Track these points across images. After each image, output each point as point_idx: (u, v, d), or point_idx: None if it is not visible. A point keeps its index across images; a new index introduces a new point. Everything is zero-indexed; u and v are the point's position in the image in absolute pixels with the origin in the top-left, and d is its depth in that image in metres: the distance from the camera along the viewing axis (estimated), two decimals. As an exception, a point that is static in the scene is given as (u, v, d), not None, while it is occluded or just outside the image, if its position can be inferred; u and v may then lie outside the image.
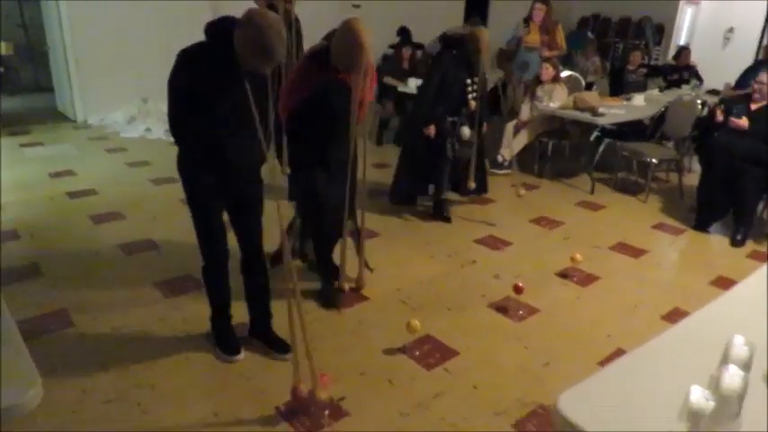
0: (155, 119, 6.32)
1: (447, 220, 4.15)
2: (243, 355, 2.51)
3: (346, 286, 3.01)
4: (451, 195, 4.33)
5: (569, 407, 1.14)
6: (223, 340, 2.54)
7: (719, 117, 4.10)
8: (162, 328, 2.72)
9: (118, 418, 2.14)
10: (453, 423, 2.18)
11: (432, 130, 3.90)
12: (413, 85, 5.91)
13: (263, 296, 2.56)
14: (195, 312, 2.83)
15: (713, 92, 6.49)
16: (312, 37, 3.33)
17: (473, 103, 3.92)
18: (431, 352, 2.62)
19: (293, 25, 3.94)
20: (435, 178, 4.12)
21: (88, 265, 3.29)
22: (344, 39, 2.52)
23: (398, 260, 3.52)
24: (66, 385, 2.27)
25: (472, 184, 4.05)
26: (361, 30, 2.50)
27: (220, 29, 2.08)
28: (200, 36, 2.12)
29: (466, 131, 3.97)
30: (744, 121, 3.93)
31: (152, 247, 3.57)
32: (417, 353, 2.60)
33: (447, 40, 4.21)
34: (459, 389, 2.38)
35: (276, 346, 2.54)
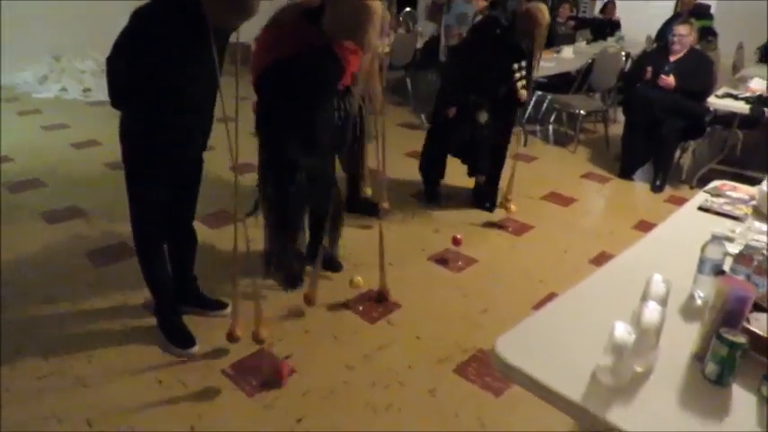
0: (70, 78, 5.88)
1: (489, 209, 3.75)
2: (198, 345, 2.33)
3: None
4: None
5: (506, 349, 1.21)
6: (177, 334, 2.35)
7: (648, 75, 4.27)
8: (96, 298, 2.62)
9: (55, 393, 2.07)
10: (398, 372, 2.25)
11: (452, 111, 3.44)
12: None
13: (192, 262, 2.50)
14: (130, 280, 2.74)
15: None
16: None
17: (523, 93, 3.39)
18: (373, 306, 2.67)
19: None
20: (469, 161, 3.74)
21: (9, 237, 3.08)
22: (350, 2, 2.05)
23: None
24: (-5, 363, 2.17)
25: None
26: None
27: None
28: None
29: (483, 116, 3.47)
30: (671, 80, 4.10)
31: (78, 214, 3.39)
32: (361, 308, 2.65)
33: (491, 22, 3.53)
34: (403, 340, 2.45)
35: (211, 305, 2.52)
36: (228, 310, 2.52)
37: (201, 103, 2.08)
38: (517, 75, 3.35)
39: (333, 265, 2.91)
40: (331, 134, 2.58)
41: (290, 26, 2.24)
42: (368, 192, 2.96)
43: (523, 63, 3.36)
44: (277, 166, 2.43)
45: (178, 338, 2.34)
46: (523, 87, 3.38)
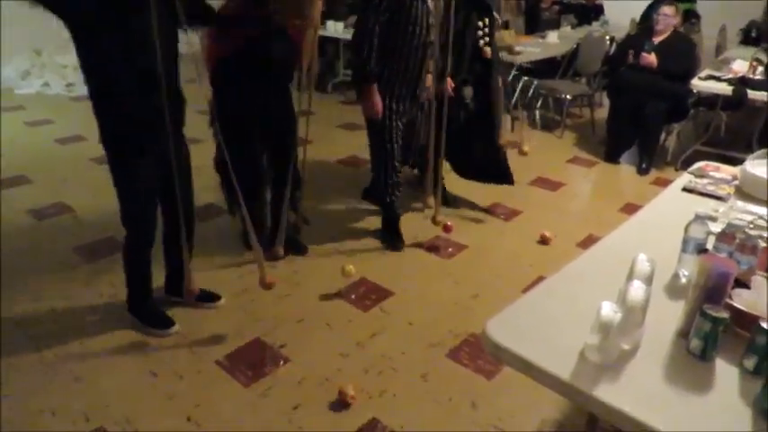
0: (52, 73, 5.79)
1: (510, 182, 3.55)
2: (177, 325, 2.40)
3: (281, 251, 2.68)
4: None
5: (496, 331, 1.23)
6: (155, 318, 2.39)
7: (630, 59, 4.29)
8: (87, 293, 2.61)
9: (49, 388, 2.07)
10: (391, 358, 2.28)
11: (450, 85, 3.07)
12: (333, 29, 5.74)
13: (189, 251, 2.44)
14: (121, 275, 2.74)
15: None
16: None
17: (488, 50, 3.23)
18: (366, 294, 2.69)
19: None
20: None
21: (-5, 234, 3.06)
22: None
23: (329, 210, 3.53)
24: (-12, 361, 2.16)
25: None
26: None
27: None
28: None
29: (468, 91, 3.30)
30: (652, 57, 4.14)
31: (65, 210, 3.37)
32: (353, 296, 2.67)
33: None
34: (395, 326, 2.48)
35: (206, 297, 2.52)
36: (222, 301, 2.54)
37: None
38: (480, 32, 3.21)
39: (297, 246, 2.96)
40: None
41: (240, 12, 2.31)
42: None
43: (487, 21, 3.23)
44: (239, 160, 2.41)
45: (158, 321, 2.39)
46: (486, 45, 3.23)
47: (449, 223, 3.11)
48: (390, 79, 2.76)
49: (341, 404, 2.03)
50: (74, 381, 2.11)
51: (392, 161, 2.92)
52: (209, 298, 2.54)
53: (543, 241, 3.21)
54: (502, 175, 3.51)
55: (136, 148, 2.09)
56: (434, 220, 3.05)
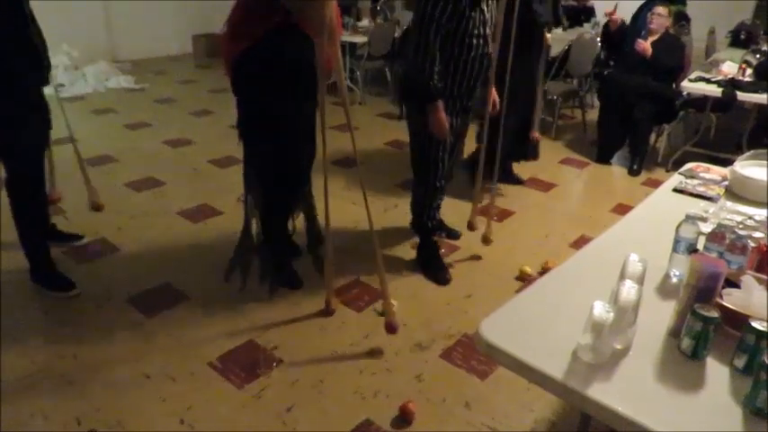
0: (43, 73, 5.76)
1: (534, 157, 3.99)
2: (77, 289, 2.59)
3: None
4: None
5: (489, 331, 1.23)
6: (57, 280, 2.59)
7: (615, 20, 4.35)
8: (79, 296, 2.60)
9: (41, 391, 2.06)
10: (385, 358, 2.28)
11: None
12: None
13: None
14: (113, 275, 2.73)
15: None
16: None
17: (549, 37, 3.29)
18: (360, 295, 2.69)
19: None
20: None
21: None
22: None
23: (321, 209, 3.51)
24: (-22, 364, 2.15)
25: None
26: None
27: None
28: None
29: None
30: (647, 44, 4.16)
31: (56, 211, 3.33)
32: (348, 297, 2.67)
33: None
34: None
35: (68, 238, 2.93)
36: (85, 240, 2.98)
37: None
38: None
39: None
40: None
41: (244, 8, 2.20)
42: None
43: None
44: (263, 169, 2.45)
45: (59, 283, 2.58)
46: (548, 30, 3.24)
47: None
48: (443, 94, 2.54)
49: (335, 405, 2.03)
50: (66, 384, 2.10)
51: (438, 181, 2.74)
52: (71, 238, 2.92)
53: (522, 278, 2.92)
54: (529, 151, 3.67)
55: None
56: (471, 226, 3.09)
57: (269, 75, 2.24)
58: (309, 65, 2.17)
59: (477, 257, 3.07)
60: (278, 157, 2.43)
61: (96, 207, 3.28)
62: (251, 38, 2.18)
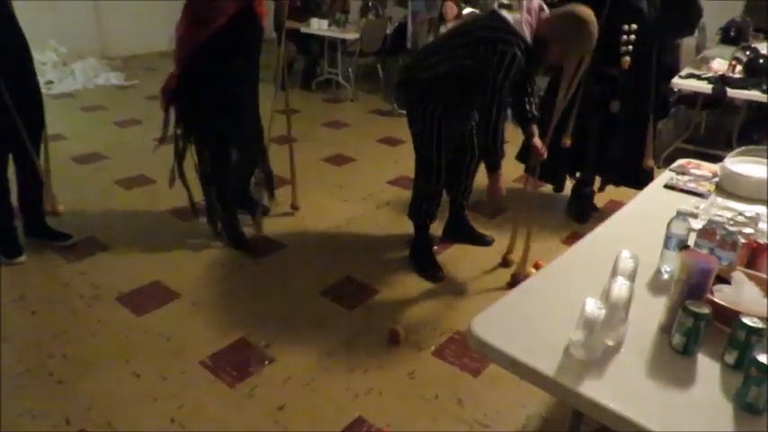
0: (31, 70, 5.69)
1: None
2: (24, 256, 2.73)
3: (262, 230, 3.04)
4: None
5: (481, 328, 1.23)
6: (8, 244, 2.72)
7: None
8: (67, 293, 2.57)
9: (30, 391, 2.04)
10: (378, 356, 2.28)
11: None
12: (316, 26, 5.74)
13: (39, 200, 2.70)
14: (103, 275, 2.70)
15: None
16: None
17: (626, 60, 2.92)
18: (352, 293, 2.68)
19: None
20: None
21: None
22: None
23: (313, 206, 3.51)
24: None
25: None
26: None
27: None
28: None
29: (615, 105, 3.15)
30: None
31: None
32: (339, 295, 2.66)
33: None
34: (381, 325, 2.47)
35: (57, 237, 2.89)
36: (70, 241, 2.92)
37: None
38: (624, 37, 2.85)
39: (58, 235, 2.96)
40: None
41: None
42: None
43: (633, 26, 2.84)
44: (212, 146, 2.77)
45: (9, 247, 2.72)
46: (626, 53, 2.87)
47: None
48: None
49: (328, 402, 2.02)
50: (55, 383, 2.08)
51: (437, 185, 2.69)
52: (60, 237, 2.89)
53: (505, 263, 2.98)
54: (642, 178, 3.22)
55: None
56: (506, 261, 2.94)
57: (236, 57, 2.45)
58: (257, 47, 2.47)
59: (468, 254, 3.07)
60: (234, 133, 2.74)
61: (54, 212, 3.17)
62: (214, 24, 2.29)
